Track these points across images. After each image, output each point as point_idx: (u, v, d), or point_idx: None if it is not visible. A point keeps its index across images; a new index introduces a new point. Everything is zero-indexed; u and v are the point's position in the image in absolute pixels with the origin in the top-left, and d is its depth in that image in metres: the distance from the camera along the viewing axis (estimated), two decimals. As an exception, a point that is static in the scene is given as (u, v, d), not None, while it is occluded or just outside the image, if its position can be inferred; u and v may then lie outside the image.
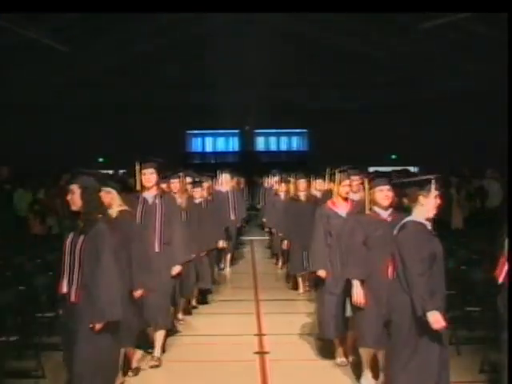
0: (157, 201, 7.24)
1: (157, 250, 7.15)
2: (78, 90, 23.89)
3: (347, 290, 6.46)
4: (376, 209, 6.30)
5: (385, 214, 6.26)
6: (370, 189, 6.30)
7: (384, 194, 6.26)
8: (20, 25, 15.72)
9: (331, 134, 25.02)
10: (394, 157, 25.60)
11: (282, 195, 12.97)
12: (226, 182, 12.97)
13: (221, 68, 23.18)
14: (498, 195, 14.94)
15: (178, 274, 7.33)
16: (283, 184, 13.10)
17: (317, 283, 7.35)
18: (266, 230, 15.80)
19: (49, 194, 14.51)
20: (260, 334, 8.54)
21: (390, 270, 5.38)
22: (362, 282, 6.22)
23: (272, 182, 15.57)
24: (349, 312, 6.54)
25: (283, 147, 27.89)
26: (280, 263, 13.13)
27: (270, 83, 23.51)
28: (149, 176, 7.23)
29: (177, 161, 22.74)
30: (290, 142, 27.94)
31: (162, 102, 24.61)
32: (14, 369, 6.89)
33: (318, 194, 9.65)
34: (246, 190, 17.68)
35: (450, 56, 20.84)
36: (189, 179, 10.01)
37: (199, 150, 27.88)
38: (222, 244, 10.85)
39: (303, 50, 23.39)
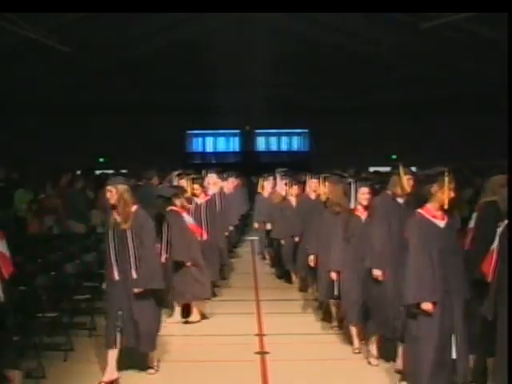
0: None
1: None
2: (78, 90, 23.88)
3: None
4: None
5: None
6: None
7: None
8: (20, 25, 15.69)
9: (331, 134, 25.02)
10: (394, 157, 25.59)
11: (293, 200, 11.37)
12: (212, 184, 11.38)
13: (221, 68, 23.16)
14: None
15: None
16: (294, 187, 11.46)
17: (413, 316, 5.85)
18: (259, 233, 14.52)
19: (49, 194, 14.49)
20: (260, 334, 8.54)
21: None
22: None
23: (276, 183, 13.57)
24: (454, 354, 5.76)
25: (284, 147, 27.89)
26: (297, 282, 11.42)
27: (270, 83, 23.49)
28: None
29: (177, 161, 22.77)
30: (291, 142, 27.93)
31: (162, 102, 24.60)
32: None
33: (365, 202, 7.49)
34: (245, 190, 17.50)
35: (450, 56, 20.82)
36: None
37: (200, 150, 27.88)
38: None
39: (303, 49, 23.37)
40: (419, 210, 5.91)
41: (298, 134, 27.79)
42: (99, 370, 6.93)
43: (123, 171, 20.82)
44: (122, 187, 6.87)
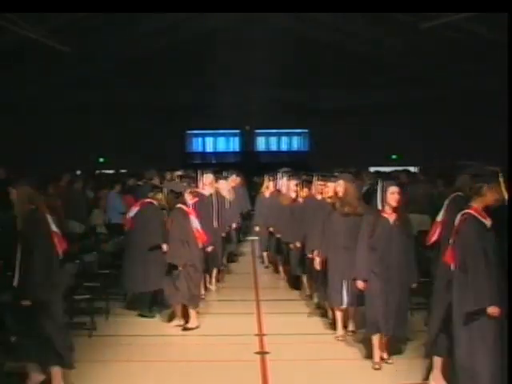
0: None
1: None
2: (78, 90, 23.88)
3: None
4: None
5: None
6: None
7: None
8: (20, 25, 15.70)
9: (331, 134, 25.01)
10: (394, 157, 25.60)
11: (302, 201, 10.71)
12: (208, 184, 11.10)
13: (221, 68, 23.16)
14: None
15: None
16: (305, 188, 10.80)
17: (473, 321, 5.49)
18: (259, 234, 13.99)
19: (49, 193, 14.48)
20: (260, 334, 8.54)
21: None
22: None
23: (278, 184, 13.19)
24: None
25: (284, 147, 27.88)
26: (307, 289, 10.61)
27: (270, 83, 23.49)
28: None
29: (177, 161, 22.77)
30: (291, 142, 27.92)
31: (162, 102, 24.60)
32: (14, 369, 6.89)
33: (394, 203, 7.15)
34: (246, 190, 17.44)
35: (450, 56, 20.82)
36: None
37: (199, 150, 27.86)
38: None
39: (303, 49, 23.37)
40: (468, 210, 5.64)
41: (298, 134, 27.77)
42: (99, 370, 6.93)
43: (123, 171, 20.84)
44: (23, 189, 6.74)
